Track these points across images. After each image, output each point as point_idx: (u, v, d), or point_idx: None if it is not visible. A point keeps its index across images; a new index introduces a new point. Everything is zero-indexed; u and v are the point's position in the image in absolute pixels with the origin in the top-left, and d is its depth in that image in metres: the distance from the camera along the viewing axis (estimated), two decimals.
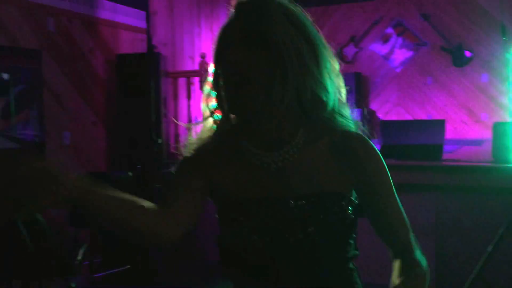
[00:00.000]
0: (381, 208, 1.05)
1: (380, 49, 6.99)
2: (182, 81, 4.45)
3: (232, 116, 1.05)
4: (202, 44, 5.30)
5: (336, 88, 1.05)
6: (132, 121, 3.86)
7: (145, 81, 3.72)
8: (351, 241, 1.05)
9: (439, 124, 4.29)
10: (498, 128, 3.38)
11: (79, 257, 2.61)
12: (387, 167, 1.07)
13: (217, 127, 1.08)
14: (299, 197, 1.00)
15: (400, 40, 6.87)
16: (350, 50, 7.16)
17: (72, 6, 3.59)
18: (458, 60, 6.54)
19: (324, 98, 1.01)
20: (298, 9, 1.02)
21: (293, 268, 0.99)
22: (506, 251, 2.67)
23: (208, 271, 3.83)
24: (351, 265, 1.07)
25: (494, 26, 6.15)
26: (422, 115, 5.81)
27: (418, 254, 1.04)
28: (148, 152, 3.27)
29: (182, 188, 1.05)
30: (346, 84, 1.12)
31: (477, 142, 5.34)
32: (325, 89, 1.01)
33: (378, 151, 1.06)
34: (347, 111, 1.08)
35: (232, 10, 1.03)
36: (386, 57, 6.97)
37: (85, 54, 3.72)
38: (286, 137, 1.04)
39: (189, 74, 4.43)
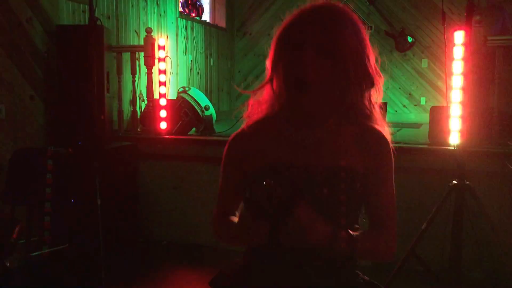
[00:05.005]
0: (379, 198, 1.25)
1: None
2: (126, 56, 4.33)
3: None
4: (148, 19, 5.15)
5: (376, 99, 1.27)
6: (73, 95, 3.72)
7: (87, 55, 3.58)
8: (357, 213, 1.25)
9: (381, 107, 4.40)
10: (434, 112, 3.51)
11: (14, 236, 2.52)
12: None
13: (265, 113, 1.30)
14: (320, 167, 1.19)
15: None
16: None
17: None
18: (401, 45, 6.73)
19: (364, 107, 1.24)
20: (362, 25, 1.20)
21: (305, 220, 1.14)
22: (438, 227, 2.81)
23: (150, 249, 3.81)
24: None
25: (435, 13, 6.37)
26: None
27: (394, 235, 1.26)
28: (90, 128, 3.17)
29: (233, 187, 1.32)
30: None
31: (416, 125, 5.55)
32: (368, 101, 1.25)
33: (391, 149, 1.26)
34: (378, 114, 1.28)
35: (304, 10, 1.17)
36: None
37: (22, 23, 3.53)
38: (320, 121, 1.24)
39: (134, 49, 4.30)
